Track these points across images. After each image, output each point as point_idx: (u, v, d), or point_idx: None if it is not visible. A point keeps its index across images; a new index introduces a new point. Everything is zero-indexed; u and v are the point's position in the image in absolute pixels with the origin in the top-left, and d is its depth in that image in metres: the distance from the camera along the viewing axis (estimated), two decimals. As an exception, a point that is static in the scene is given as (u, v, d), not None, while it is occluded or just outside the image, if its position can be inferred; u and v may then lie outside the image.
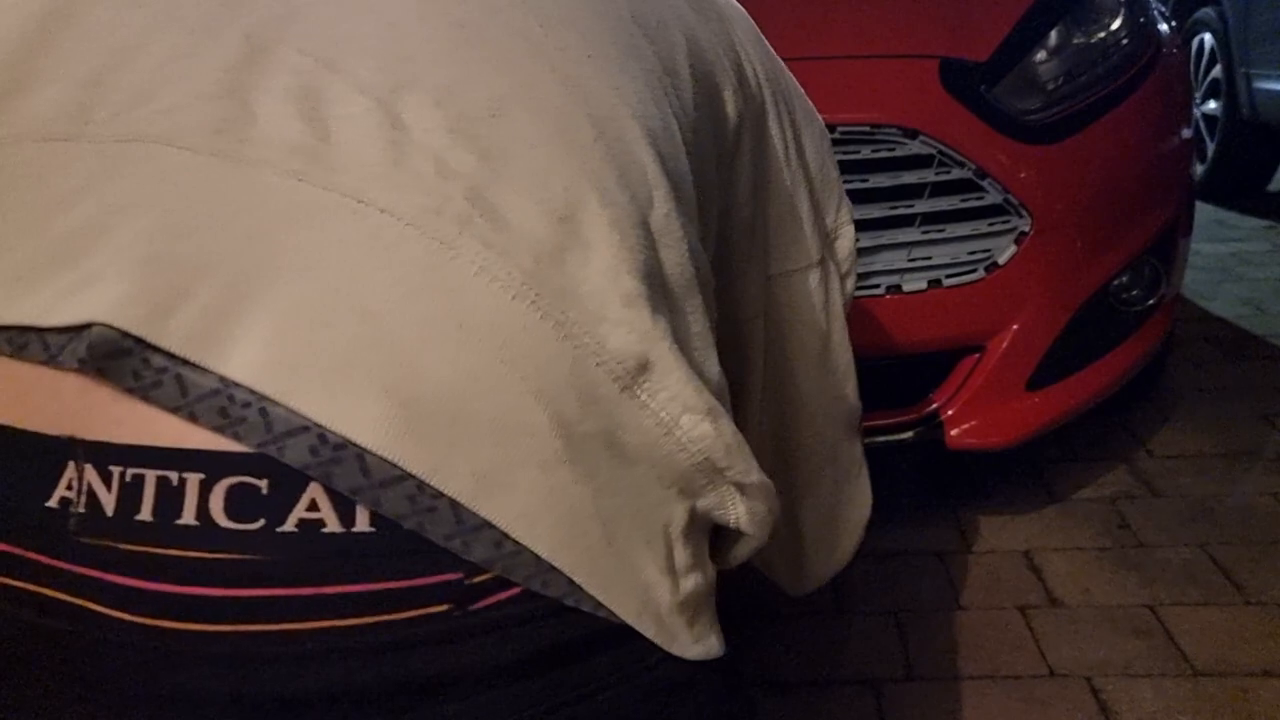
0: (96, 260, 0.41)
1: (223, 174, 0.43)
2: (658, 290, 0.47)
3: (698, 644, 0.48)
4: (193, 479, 0.40)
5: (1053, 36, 1.45)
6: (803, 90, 0.79)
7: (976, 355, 1.43)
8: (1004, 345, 1.41)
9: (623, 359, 0.44)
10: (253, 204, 0.42)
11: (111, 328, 0.40)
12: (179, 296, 0.40)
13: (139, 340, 0.40)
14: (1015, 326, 1.41)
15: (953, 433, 1.42)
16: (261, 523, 0.40)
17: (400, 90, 0.45)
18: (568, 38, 0.50)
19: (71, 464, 0.41)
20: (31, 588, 0.42)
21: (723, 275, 0.68)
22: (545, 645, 0.44)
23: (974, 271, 1.37)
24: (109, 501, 0.40)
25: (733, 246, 0.68)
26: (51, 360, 0.40)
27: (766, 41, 0.75)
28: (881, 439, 1.42)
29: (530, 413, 0.42)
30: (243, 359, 0.40)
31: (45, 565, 0.42)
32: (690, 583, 0.48)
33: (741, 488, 0.50)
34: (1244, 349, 2.18)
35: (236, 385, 0.39)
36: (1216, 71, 3.49)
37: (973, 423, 1.42)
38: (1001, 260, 1.37)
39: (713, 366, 0.52)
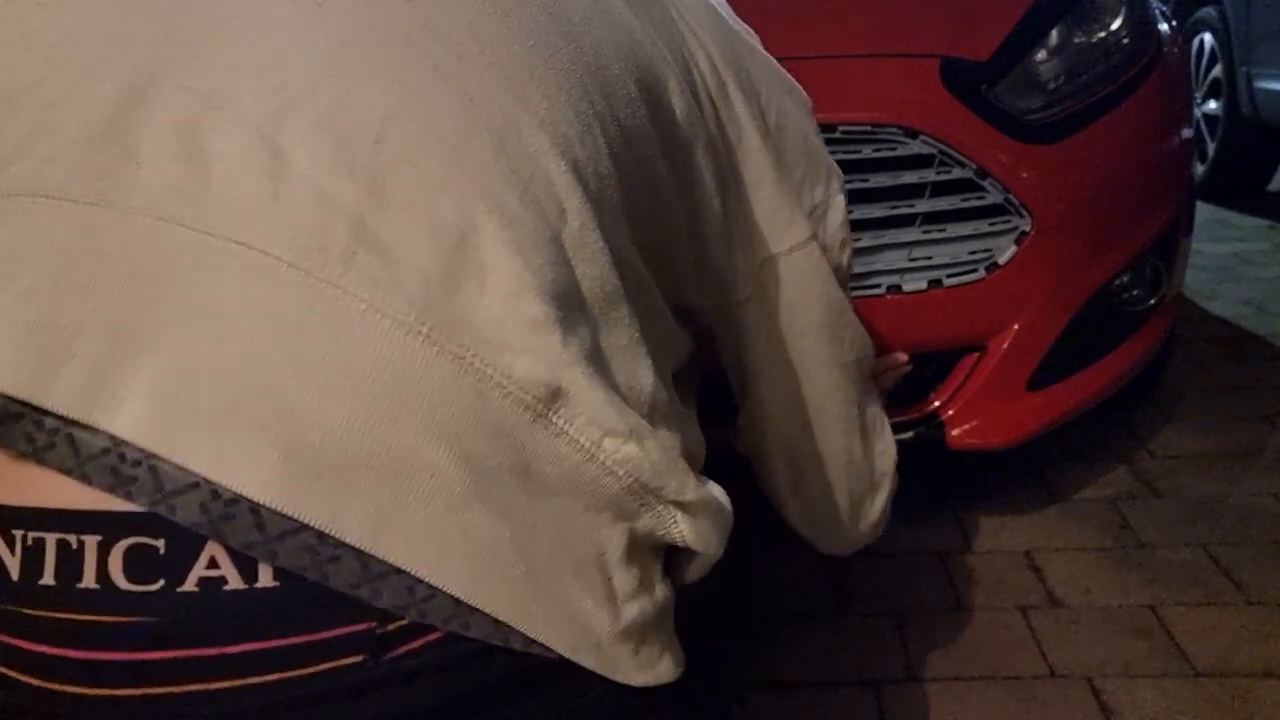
0: None
1: (104, 224, 0.41)
2: (571, 309, 0.45)
3: (644, 671, 0.47)
4: (91, 541, 0.39)
5: (1053, 36, 1.45)
6: (776, 64, 0.78)
7: (977, 355, 1.43)
8: (1005, 345, 1.41)
9: (531, 388, 0.42)
10: (135, 253, 0.41)
11: (15, 402, 0.39)
12: (62, 357, 0.39)
13: (27, 404, 0.39)
14: (1016, 326, 1.40)
15: (953, 433, 1.42)
16: (161, 583, 0.39)
17: (281, 118, 0.43)
18: (465, 46, 0.47)
19: None
20: None
21: (702, 266, 0.68)
22: (469, 688, 0.43)
23: (974, 271, 1.37)
24: (14, 566, 0.40)
25: (707, 238, 0.67)
26: None
27: (729, 20, 0.74)
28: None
29: (429, 451, 0.41)
30: (129, 416, 0.39)
31: None
32: (634, 609, 0.46)
33: (681, 505, 0.48)
34: (1245, 349, 2.18)
35: (126, 444, 0.39)
36: (1217, 71, 3.49)
37: (973, 423, 1.42)
38: (1002, 260, 1.37)
39: (644, 377, 0.50)
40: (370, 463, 0.40)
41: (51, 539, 0.40)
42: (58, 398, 0.39)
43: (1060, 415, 1.48)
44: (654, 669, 0.48)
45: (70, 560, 0.39)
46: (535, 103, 0.47)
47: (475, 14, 0.49)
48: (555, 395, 0.43)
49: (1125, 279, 1.52)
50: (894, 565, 1.42)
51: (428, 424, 0.41)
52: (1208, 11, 3.53)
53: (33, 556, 0.40)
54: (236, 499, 0.38)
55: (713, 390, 0.80)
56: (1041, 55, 1.43)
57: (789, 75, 0.79)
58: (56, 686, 0.40)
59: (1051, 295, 1.41)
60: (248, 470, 0.39)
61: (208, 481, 0.38)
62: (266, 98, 0.44)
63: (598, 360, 0.46)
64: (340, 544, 0.39)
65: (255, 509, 0.39)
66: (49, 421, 0.39)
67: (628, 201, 0.52)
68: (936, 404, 1.44)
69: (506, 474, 0.43)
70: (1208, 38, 3.56)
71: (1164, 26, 1.62)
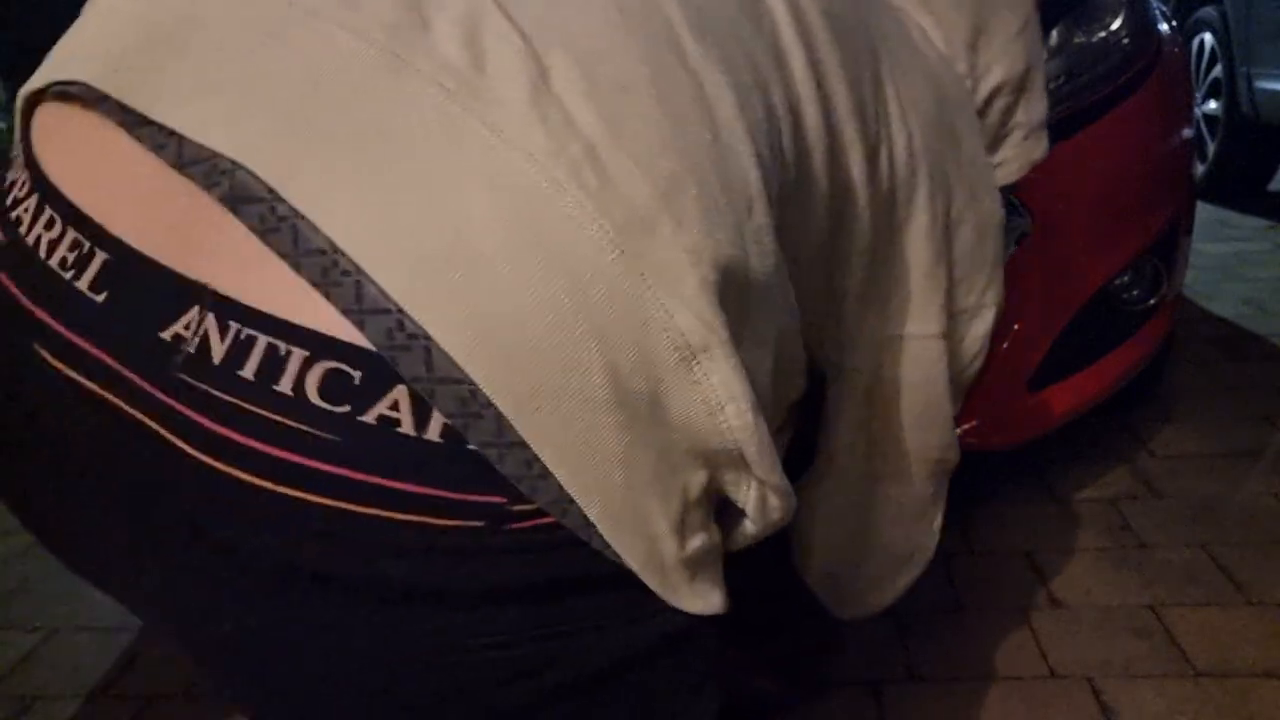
0: (252, 104, 0.47)
1: (383, 68, 0.47)
2: (734, 287, 0.50)
3: (699, 599, 0.51)
4: (297, 354, 0.44)
5: (1053, 36, 1.45)
6: (985, 162, 0.80)
7: (977, 355, 1.42)
8: (1005, 345, 1.41)
9: (686, 334, 0.47)
10: (401, 103, 0.46)
11: (252, 174, 0.45)
12: (312, 159, 0.45)
13: (270, 190, 0.44)
14: (1016, 326, 1.40)
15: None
16: (348, 409, 0.43)
17: (552, 45, 0.49)
18: (709, 52, 0.53)
19: (196, 308, 0.45)
20: (121, 404, 0.47)
21: (832, 326, 0.73)
22: (556, 574, 0.47)
23: (975, 271, 1.37)
24: (219, 351, 0.44)
25: (846, 299, 0.71)
26: (183, 168, 0.46)
27: (950, 108, 0.76)
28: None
29: (588, 352, 0.45)
30: (351, 226, 0.44)
31: (140, 389, 0.46)
32: (697, 542, 0.51)
33: (762, 483, 0.53)
34: (1245, 349, 2.18)
35: (343, 254, 0.43)
36: (1217, 71, 3.49)
37: (974, 423, 1.42)
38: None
39: (763, 374, 0.55)
40: (538, 344, 0.44)
41: (263, 340, 0.44)
42: (295, 192, 0.44)
43: (1061, 415, 1.48)
44: (707, 598, 0.52)
45: (274, 363, 0.44)
46: (749, 114, 0.53)
47: (719, 34, 0.55)
48: (704, 349, 0.47)
49: (1125, 279, 1.51)
50: (894, 565, 1.42)
51: (596, 329, 0.45)
52: (1208, 11, 3.53)
53: (240, 349, 0.44)
54: (418, 334, 0.43)
55: None
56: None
57: (991, 178, 0.81)
58: (221, 466, 0.44)
59: (1051, 295, 1.41)
60: (436, 313, 0.43)
61: (400, 311, 0.43)
62: (545, 23, 0.50)
63: (739, 338, 0.50)
64: (488, 405, 0.43)
65: (429, 349, 0.43)
66: (281, 209, 0.44)
67: (791, 229, 0.57)
68: (937, 404, 1.43)
69: (641, 398, 0.46)
70: (1208, 37, 3.56)
71: (1164, 26, 1.62)
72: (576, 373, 0.45)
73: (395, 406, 0.43)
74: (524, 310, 0.44)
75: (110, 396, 0.47)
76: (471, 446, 0.44)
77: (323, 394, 0.43)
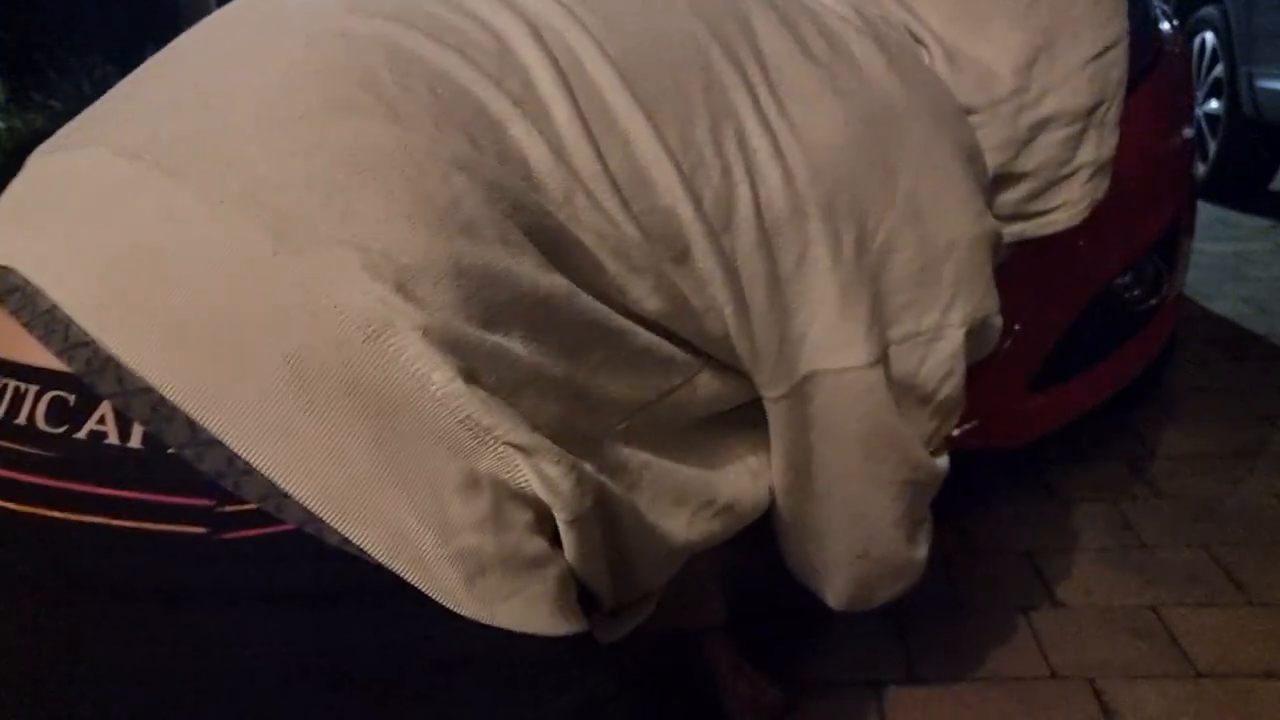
0: (14, 228, 0.56)
1: (72, 162, 0.57)
2: (433, 272, 0.51)
3: (479, 603, 0.49)
4: (32, 389, 0.50)
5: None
6: (948, 184, 0.75)
7: (978, 355, 1.42)
8: (1005, 346, 1.40)
9: (363, 314, 0.48)
10: (95, 180, 0.54)
11: (14, 271, 0.52)
12: (40, 245, 0.53)
13: (24, 280, 0.51)
14: (1017, 327, 1.40)
15: (954, 434, 1.41)
16: (65, 428, 0.49)
17: (235, 99, 0.56)
18: (410, 89, 0.57)
19: None
20: None
21: (737, 357, 0.70)
22: (305, 585, 0.48)
23: (975, 271, 1.37)
24: None
25: (722, 329, 0.68)
26: None
27: (904, 128, 0.73)
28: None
29: (262, 344, 0.48)
30: (64, 283, 0.51)
31: None
32: (470, 540, 0.49)
33: (519, 448, 0.51)
34: (1246, 349, 2.18)
35: (59, 308, 0.50)
36: (1219, 70, 3.49)
37: (974, 423, 1.41)
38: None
39: (520, 356, 0.54)
40: (208, 346, 0.48)
41: (12, 384, 0.51)
42: (33, 269, 0.52)
43: (1062, 416, 1.48)
44: (492, 606, 0.49)
45: (17, 401, 0.50)
46: (455, 140, 0.56)
47: (442, 75, 0.58)
48: (387, 324, 0.48)
49: (1127, 279, 1.51)
50: (894, 565, 1.41)
51: (265, 322, 0.48)
52: (1209, 11, 3.52)
53: None
54: (110, 358, 0.48)
55: None
56: (1043, 55, 1.43)
57: (959, 198, 0.76)
58: None
59: (1053, 296, 1.41)
60: (121, 338, 0.49)
61: (95, 342, 0.49)
62: (226, 86, 0.58)
63: (469, 318, 0.52)
64: (176, 408, 0.47)
65: (120, 367, 0.48)
66: (29, 289, 0.51)
67: (526, 227, 0.57)
68: (937, 404, 1.43)
69: (331, 380, 0.48)
70: (1209, 37, 3.56)
71: (1165, 26, 1.61)
72: (252, 364, 0.48)
73: (103, 421, 0.48)
74: (195, 319, 0.49)
75: None
76: (171, 450, 0.47)
77: (47, 419, 0.49)
